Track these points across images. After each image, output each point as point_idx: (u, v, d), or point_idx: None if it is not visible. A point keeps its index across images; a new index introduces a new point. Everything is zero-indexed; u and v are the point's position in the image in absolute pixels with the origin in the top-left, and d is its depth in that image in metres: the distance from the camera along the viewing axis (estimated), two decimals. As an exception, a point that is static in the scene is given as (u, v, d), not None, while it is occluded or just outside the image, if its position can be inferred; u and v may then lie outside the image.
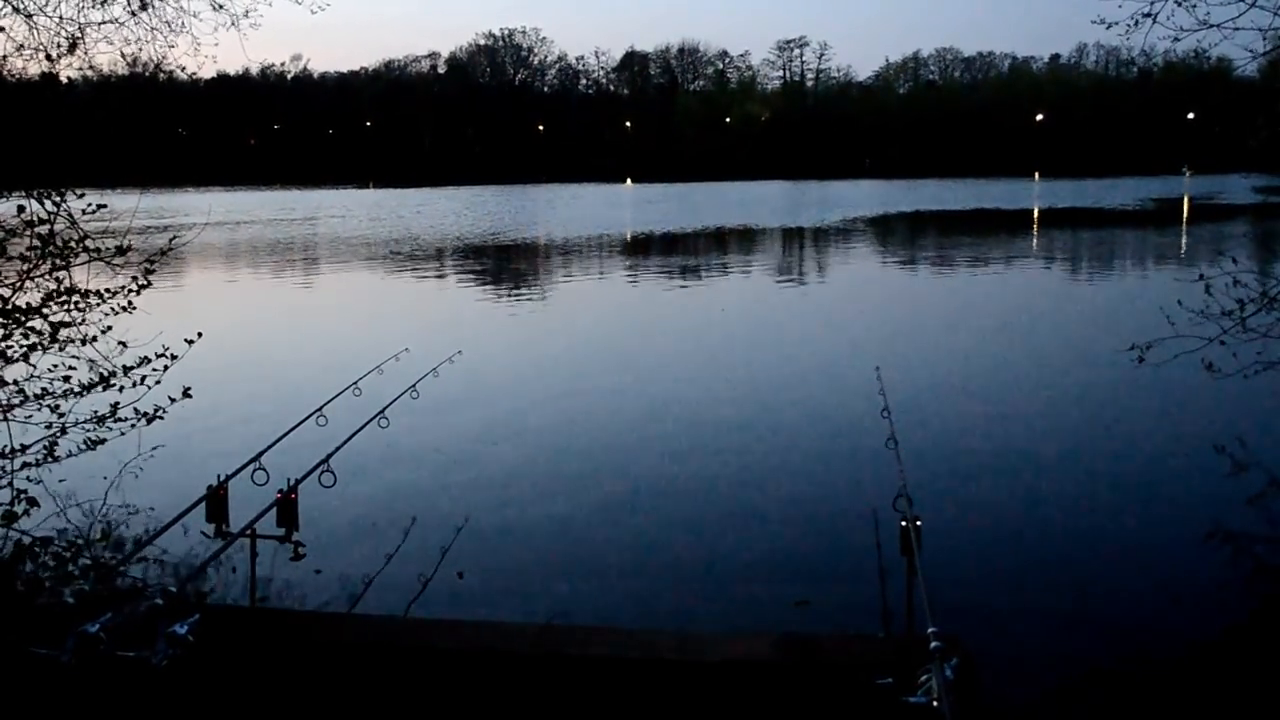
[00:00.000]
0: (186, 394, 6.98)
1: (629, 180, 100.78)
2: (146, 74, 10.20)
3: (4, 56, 7.58)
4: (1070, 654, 6.13)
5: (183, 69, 9.27)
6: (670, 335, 18.05)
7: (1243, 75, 11.39)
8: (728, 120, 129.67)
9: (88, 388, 6.97)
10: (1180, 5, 8.56)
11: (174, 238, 7.32)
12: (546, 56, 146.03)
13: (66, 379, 6.92)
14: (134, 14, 8.23)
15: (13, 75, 7.70)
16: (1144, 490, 9.08)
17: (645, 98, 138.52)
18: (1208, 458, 9.81)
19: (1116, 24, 9.00)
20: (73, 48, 7.73)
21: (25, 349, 6.83)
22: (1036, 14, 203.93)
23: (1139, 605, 6.81)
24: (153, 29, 8.40)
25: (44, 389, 6.89)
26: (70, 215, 6.84)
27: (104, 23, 8.07)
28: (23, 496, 6.79)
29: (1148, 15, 8.73)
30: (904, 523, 5.02)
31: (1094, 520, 8.31)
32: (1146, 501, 8.79)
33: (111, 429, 7.10)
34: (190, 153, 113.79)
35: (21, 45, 7.67)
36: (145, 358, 7.00)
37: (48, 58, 7.67)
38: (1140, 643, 6.27)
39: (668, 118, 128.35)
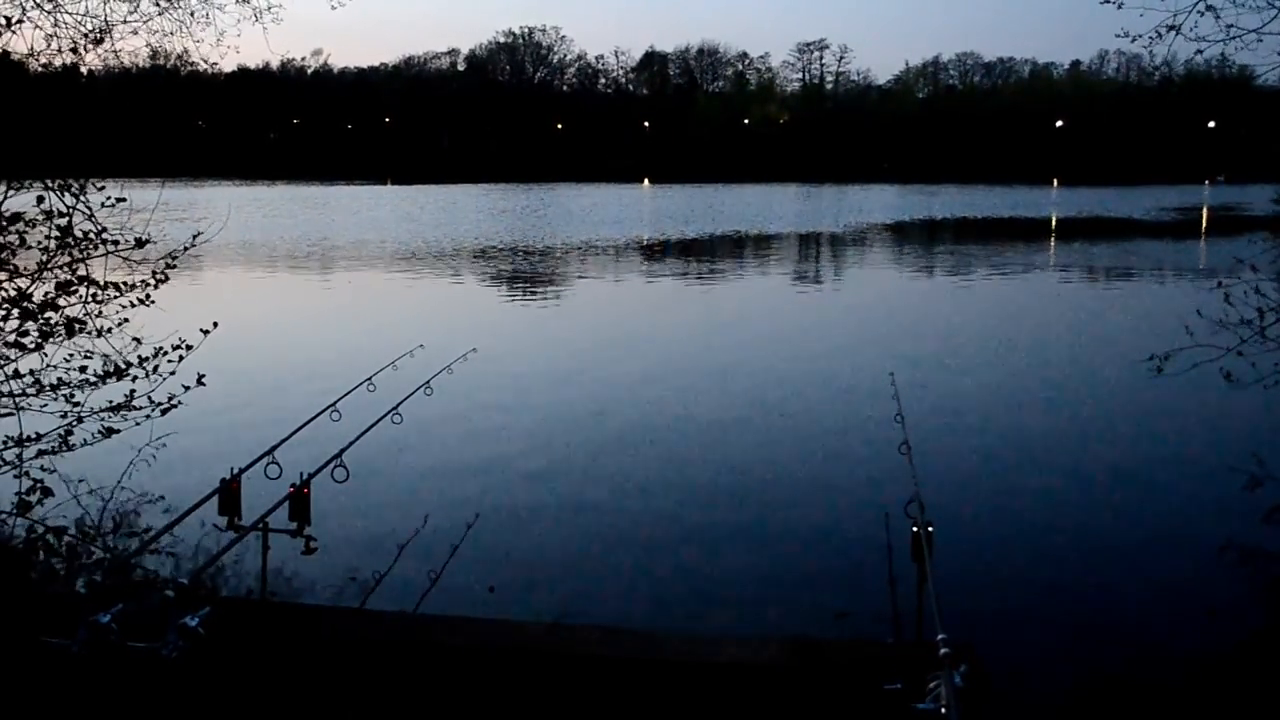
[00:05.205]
0: (200, 381, 6.97)
1: (646, 181, 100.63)
2: (169, 66, 10.25)
3: (31, 52, 7.60)
4: (1081, 664, 6.10)
5: (205, 60, 9.30)
6: (685, 338, 18.05)
7: (1265, 84, 11.29)
8: (746, 122, 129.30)
9: (103, 378, 6.97)
10: (1204, 12, 8.47)
11: (197, 235, 7.33)
12: (566, 55, 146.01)
13: (82, 369, 6.93)
14: (160, 9, 8.26)
15: (36, 67, 7.71)
16: (1159, 501, 9.02)
17: (664, 98, 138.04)
18: (1224, 469, 9.74)
19: (1140, 36, 8.93)
20: (98, 41, 7.75)
21: (41, 339, 6.84)
22: (1058, 20, 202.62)
23: (1150, 616, 6.77)
24: (179, 22, 8.43)
25: (59, 379, 6.90)
26: (89, 208, 6.85)
27: (129, 20, 8.10)
28: (37, 486, 6.81)
29: (1172, 28, 8.66)
30: (915, 529, 5.01)
31: (1108, 530, 8.26)
32: (1161, 512, 8.74)
33: (126, 419, 7.11)
34: (209, 145, 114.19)
35: (50, 38, 7.69)
36: (161, 348, 7.01)
37: (74, 50, 7.68)
38: (1151, 654, 6.23)
39: (686, 119, 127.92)
